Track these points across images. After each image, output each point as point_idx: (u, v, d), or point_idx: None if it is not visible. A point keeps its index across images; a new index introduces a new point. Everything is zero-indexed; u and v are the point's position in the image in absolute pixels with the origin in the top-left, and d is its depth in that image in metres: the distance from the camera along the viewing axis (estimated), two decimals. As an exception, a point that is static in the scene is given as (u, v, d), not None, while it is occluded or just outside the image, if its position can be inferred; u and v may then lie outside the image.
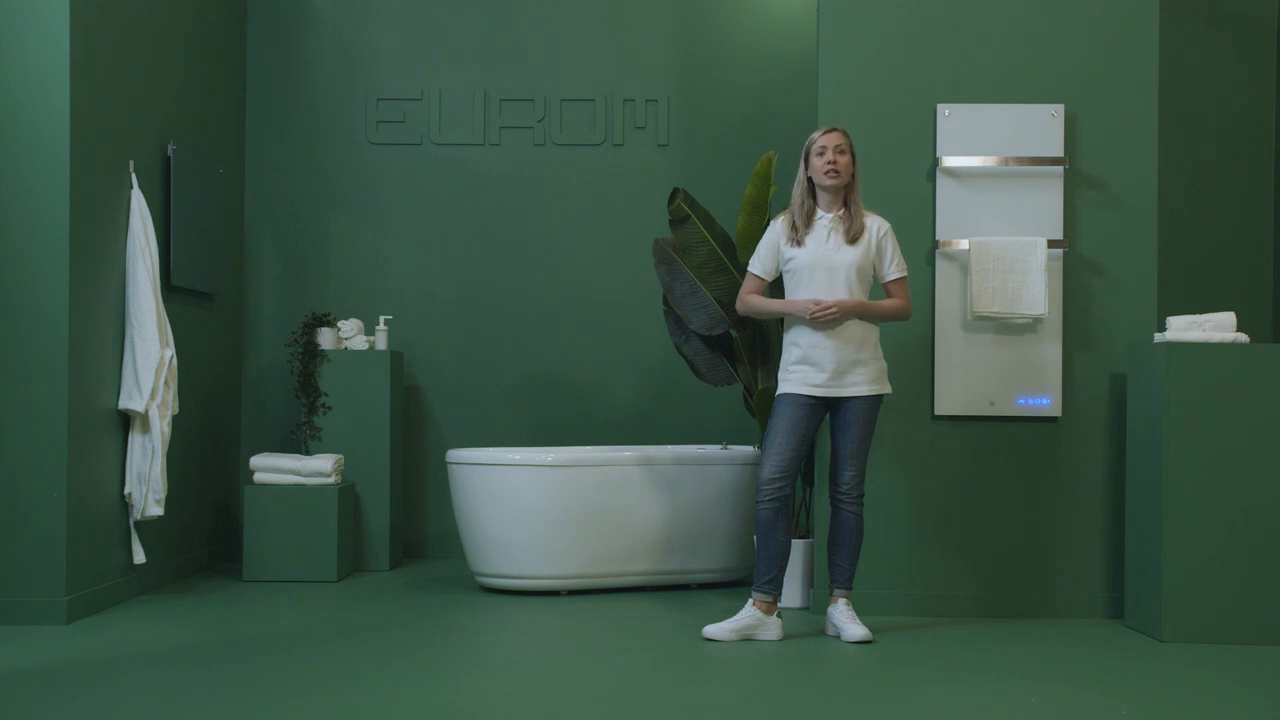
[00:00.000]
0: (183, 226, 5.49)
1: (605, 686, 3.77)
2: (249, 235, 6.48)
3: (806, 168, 4.46)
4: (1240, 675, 4.00)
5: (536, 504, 5.22)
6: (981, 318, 4.80)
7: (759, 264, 4.55)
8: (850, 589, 4.54)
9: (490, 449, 5.58)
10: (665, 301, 5.48)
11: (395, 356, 6.04)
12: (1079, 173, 4.92)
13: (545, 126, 6.45)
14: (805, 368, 4.41)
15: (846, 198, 4.45)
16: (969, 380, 4.87)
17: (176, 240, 5.43)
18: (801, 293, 4.42)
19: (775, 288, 4.76)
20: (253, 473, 5.66)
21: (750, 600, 4.43)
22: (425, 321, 6.43)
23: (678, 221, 5.34)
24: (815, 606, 4.86)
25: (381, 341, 6.04)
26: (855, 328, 4.39)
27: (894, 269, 4.47)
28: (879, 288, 4.60)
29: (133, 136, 5.14)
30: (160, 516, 5.12)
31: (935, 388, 4.88)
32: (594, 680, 3.84)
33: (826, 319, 4.34)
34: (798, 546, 5.01)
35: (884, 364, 4.49)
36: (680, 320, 5.40)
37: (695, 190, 5.91)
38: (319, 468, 5.60)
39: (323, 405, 5.89)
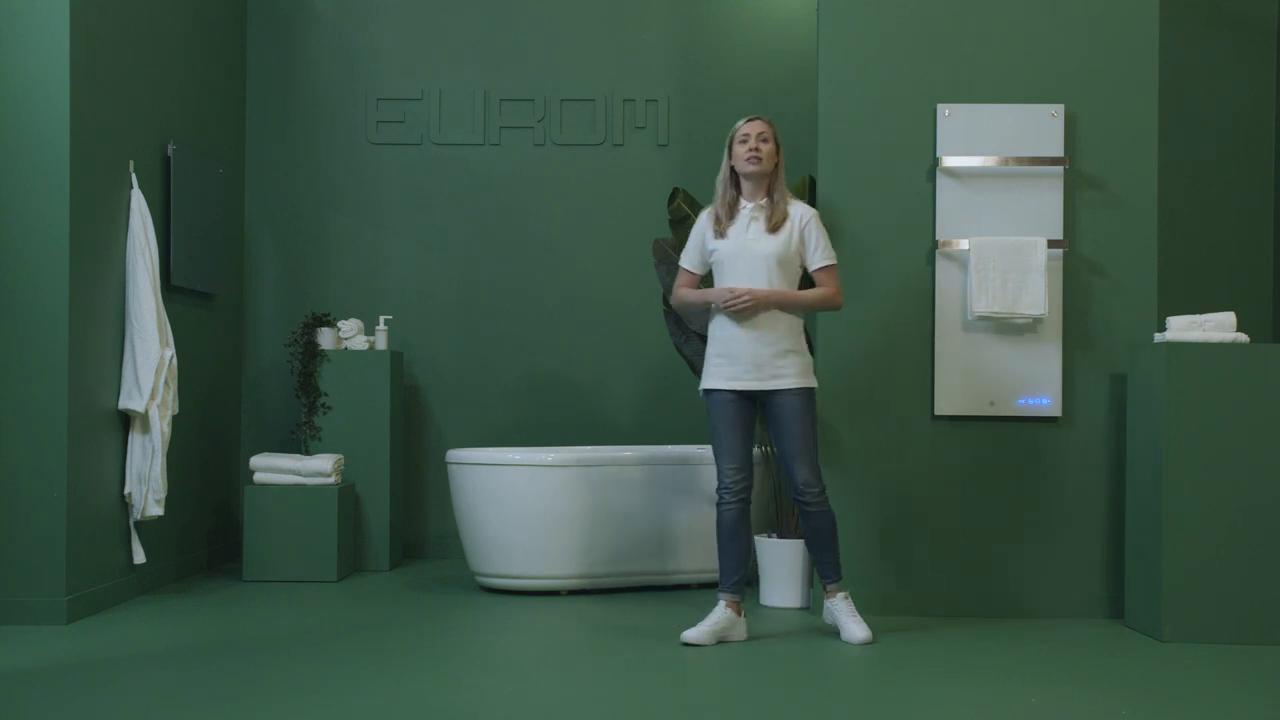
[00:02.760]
0: (183, 226, 5.49)
1: (605, 687, 3.77)
2: (249, 235, 6.48)
3: (730, 156, 4.41)
4: (1240, 675, 4.00)
5: (536, 504, 5.22)
6: (981, 318, 4.80)
7: (687, 258, 4.51)
8: (841, 579, 4.46)
9: (490, 449, 5.58)
10: (665, 301, 5.48)
11: (395, 356, 6.04)
12: (1079, 173, 4.92)
13: (545, 126, 6.45)
14: (724, 361, 4.35)
15: (770, 187, 4.41)
16: (969, 380, 4.87)
17: (176, 240, 5.43)
18: (723, 284, 4.38)
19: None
20: (253, 473, 5.66)
21: (722, 601, 4.38)
22: (425, 321, 6.43)
23: (678, 221, 5.34)
24: (815, 607, 4.86)
25: (381, 341, 6.04)
26: (774, 320, 4.31)
27: (820, 256, 4.37)
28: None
29: (133, 136, 5.14)
30: (160, 516, 5.12)
31: (935, 388, 4.88)
32: (594, 680, 3.84)
33: (739, 308, 4.28)
34: (796, 546, 5.01)
35: (809, 358, 4.39)
36: (680, 320, 5.40)
37: (695, 190, 5.90)
38: (319, 468, 5.60)
39: (323, 405, 5.89)
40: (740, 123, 4.41)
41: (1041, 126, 4.89)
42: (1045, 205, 4.89)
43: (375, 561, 5.93)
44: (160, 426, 5.01)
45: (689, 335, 5.39)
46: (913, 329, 4.90)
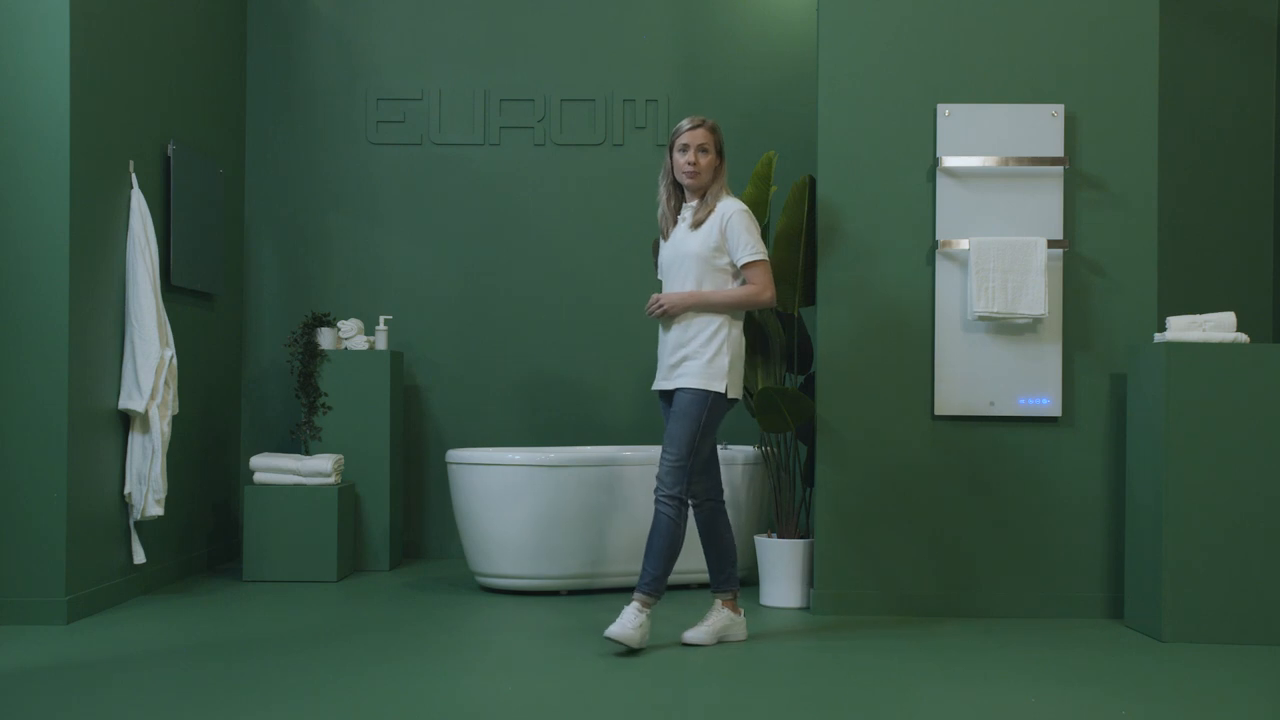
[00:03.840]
0: (183, 226, 5.49)
1: (605, 687, 3.77)
2: (249, 235, 6.48)
3: (670, 157, 4.33)
4: (1240, 675, 4.00)
5: (536, 504, 5.22)
6: (981, 318, 4.80)
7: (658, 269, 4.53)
8: (647, 594, 4.19)
9: (490, 449, 5.58)
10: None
11: (395, 356, 6.04)
12: (1079, 173, 4.92)
13: (545, 126, 6.45)
14: (659, 364, 4.38)
15: (708, 189, 4.32)
16: (969, 380, 4.87)
17: (176, 240, 5.43)
18: (665, 287, 4.38)
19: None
20: (253, 473, 5.66)
21: (717, 601, 4.36)
22: (425, 321, 6.43)
23: (678, 221, 5.33)
24: (815, 607, 4.86)
25: (381, 341, 6.04)
26: (686, 323, 4.26)
27: (744, 253, 4.23)
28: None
29: (133, 136, 5.14)
30: (160, 516, 5.12)
31: (935, 388, 4.88)
32: (594, 681, 3.84)
33: (652, 315, 4.30)
34: (798, 546, 5.01)
35: (722, 361, 4.21)
36: (680, 320, 5.39)
37: (695, 190, 5.91)
38: (319, 468, 5.60)
39: (323, 405, 5.89)
40: (683, 125, 4.30)
41: (1041, 126, 4.89)
42: (1045, 205, 4.89)
43: (375, 561, 5.93)
44: (160, 426, 5.01)
45: (689, 335, 5.39)
46: (913, 329, 4.90)
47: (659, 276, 4.53)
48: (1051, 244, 4.84)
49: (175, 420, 5.30)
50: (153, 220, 5.17)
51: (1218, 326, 4.58)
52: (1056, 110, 4.89)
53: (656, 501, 4.21)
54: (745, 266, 4.25)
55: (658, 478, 4.22)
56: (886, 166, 4.93)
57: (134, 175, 5.08)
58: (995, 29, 4.94)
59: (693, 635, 4.29)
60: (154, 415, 4.99)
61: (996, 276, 4.79)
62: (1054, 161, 4.87)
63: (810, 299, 5.14)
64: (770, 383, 5.22)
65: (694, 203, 4.34)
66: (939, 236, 4.90)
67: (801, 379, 5.36)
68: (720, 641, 4.32)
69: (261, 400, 6.42)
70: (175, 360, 5.11)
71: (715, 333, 4.24)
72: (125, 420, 5.03)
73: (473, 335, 6.44)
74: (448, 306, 6.45)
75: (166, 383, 5.06)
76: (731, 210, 4.26)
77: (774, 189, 5.23)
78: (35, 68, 4.58)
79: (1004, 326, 4.87)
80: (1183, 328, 4.61)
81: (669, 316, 4.29)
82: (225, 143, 6.22)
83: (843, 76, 4.96)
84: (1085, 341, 4.91)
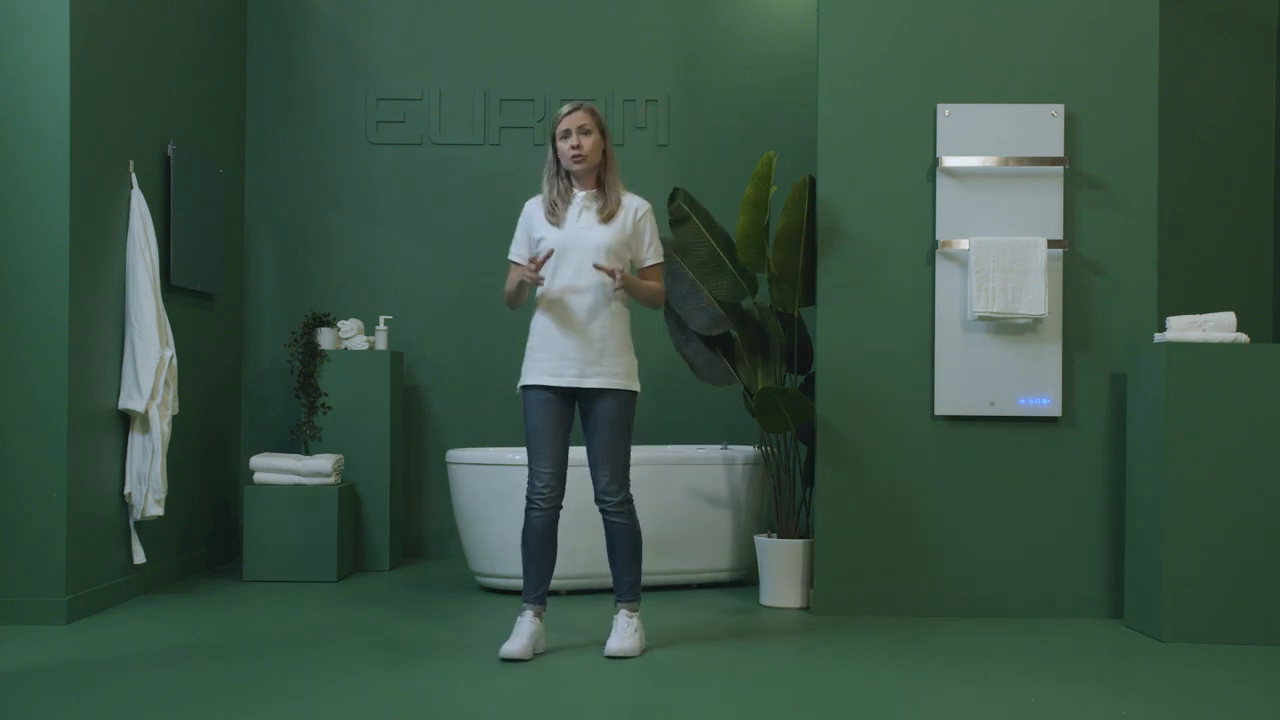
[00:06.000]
0: (183, 226, 5.49)
1: (605, 687, 3.77)
2: (249, 235, 6.48)
3: (554, 149, 4.18)
4: (1240, 675, 4.00)
5: (536, 504, 5.21)
6: (981, 318, 4.80)
7: (513, 250, 4.24)
8: (633, 600, 4.21)
9: (490, 449, 5.58)
10: (665, 301, 5.47)
11: (395, 356, 6.04)
12: (1079, 173, 4.92)
13: (545, 126, 6.45)
14: (547, 355, 4.08)
15: (601, 177, 4.17)
16: (969, 380, 4.87)
17: (176, 240, 5.43)
18: (554, 276, 4.10)
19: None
20: (253, 473, 5.66)
21: (529, 612, 4.15)
22: (425, 321, 6.43)
23: (678, 221, 5.33)
24: (815, 607, 4.86)
25: (381, 341, 6.04)
26: (606, 314, 4.09)
27: (652, 253, 4.19)
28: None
29: (133, 136, 5.14)
30: (160, 516, 5.12)
31: (935, 388, 4.88)
32: (593, 680, 3.84)
33: (616, 287, 4.02)
34: (797, 546, 5.01)
35: (634, 360, 4.16)
36: (680, 320, 5.40)
37: (695, 190, 5.90)
38: (319, 468, 5.60)
39: (323, 405, 5.89)
40: (563, 111, 4.14)
41: (1041, 126, 4.89)
42: (1045, 205, 4.89)
43: (375, 561, 5.93)
44: (160, 426, 5.01)
45: (689, 335, 5.39)
46: (913, 329, 4.90)
47: (513, 259, 4.22)
48: (1051, 244, 4.84)
49: (175, 420, 5.30)
50: (153, 220, 5.17)
51: (1218, 326, 4.58)
52: (1056, 110, 4.89)
53: (608, 512, 4.14)
54: (652, 266, 4.21)
55: (604, 490, 4.11)
56: (886, 166, 4.93)
57: (134, 175, 5.08)
58: (995, 29, 4.94)
59: (514, 649, 4.07)
60: (154, 415, 4.99)
61: (996, 276, 4.79)
62: (1054, 161, 4.87)
63: (810, 299, 5.14)
64: (770, 383, 5.22)
65: (591, 191, 4.16)
66: (939, 236, 4.90)
67: (801, 379, 5.36)
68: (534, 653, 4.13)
69: (261, 400, 6.42)
70: (175, 360, 5.11)
71: (626, 330, 4.17)
72: (125, 420, 5.03)
73: (473, 335, 6.44)
74: (448, 306, 6.45)
75: (166, 383, 5.06)
76: (645, 208, 4.20)
77: (774, 189, 5.22)
78: (35, 68, 4.58)
79: (1004, 326, 4.87)
80: (1183, 328, 4.61)
81: (580, 306, 4.08)
82: (225, 143, 6.22)
83: (843, 76, 4.96)
84: (1085, 341, 4.91)
